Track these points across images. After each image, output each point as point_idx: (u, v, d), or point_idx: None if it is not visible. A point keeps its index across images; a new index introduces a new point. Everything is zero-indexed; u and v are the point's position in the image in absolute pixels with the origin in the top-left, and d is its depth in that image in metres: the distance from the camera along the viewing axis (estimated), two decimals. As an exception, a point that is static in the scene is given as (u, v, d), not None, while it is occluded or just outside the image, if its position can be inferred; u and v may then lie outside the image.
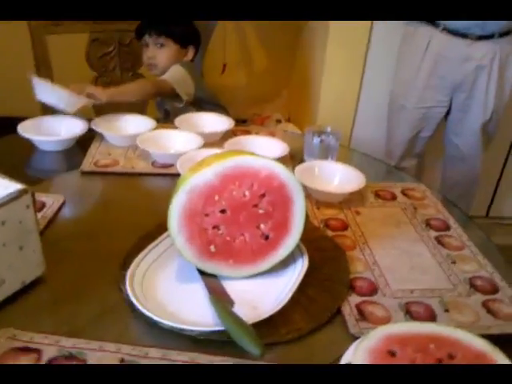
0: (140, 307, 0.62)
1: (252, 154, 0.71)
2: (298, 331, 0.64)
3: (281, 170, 0.69)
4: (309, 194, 0.95)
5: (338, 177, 1.00)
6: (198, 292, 0.68)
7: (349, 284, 0.74)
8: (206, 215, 0.68)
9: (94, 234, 0.84)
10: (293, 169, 0.99)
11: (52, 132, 1.13)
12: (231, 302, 0.65)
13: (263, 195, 0.69)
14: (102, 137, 1.15)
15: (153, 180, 1.03)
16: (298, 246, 0.74)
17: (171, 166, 1.03)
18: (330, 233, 0.86)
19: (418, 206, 0.97)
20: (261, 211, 0.70)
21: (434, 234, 0.88)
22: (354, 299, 0.71)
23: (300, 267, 0.72)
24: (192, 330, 0.61)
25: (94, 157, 1.08)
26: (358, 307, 0.69)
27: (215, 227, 0.69)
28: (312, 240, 0.80)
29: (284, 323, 0.65)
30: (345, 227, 0.88)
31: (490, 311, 0.70)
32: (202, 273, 0.71)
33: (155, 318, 0.61)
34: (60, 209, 0.89)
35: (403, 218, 0.92)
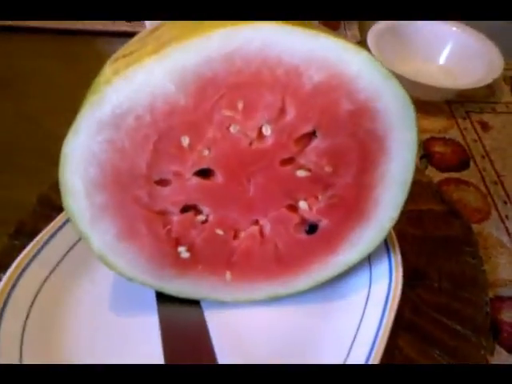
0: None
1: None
2: None
3: (358, 62, 0.24)
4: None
5: (448, 50, 0.53)
6: (152, 350, 0.30)
7: (488, 321, 0.34)
8: (161, 183, 0.27)
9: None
10: (361, 36, 0.53)
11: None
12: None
13: (311, 134, 0.26)
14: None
15: (110, 46, 0.58)
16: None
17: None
18: (434, 173, 0.44)
19: None
20: (301, 174, 0.27)
21: None
22: (502, 360, 0.32)
23: (384, 290, 0.31)
24: None
25: None
26: None
27: (186, 208, 0.28)
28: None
29: None
30: (463, 160, 0.45)
31: None
32: (162, 298, 0.32)
33: None
34: None
35: None
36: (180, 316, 0.31)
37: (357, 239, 0.30)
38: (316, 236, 0.30)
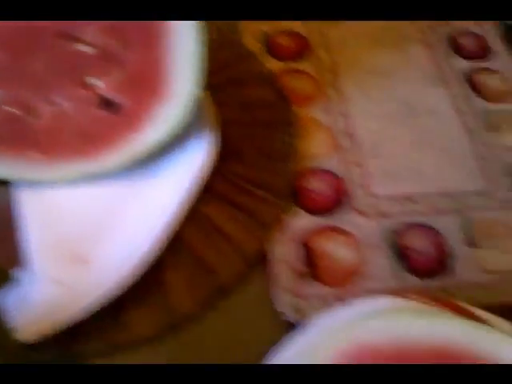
0: None
1: None
2: (175, 315, 0.32)
3: None
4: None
5: None
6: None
7: (291, 188, 0.38)
8: None
9: None
10: None
11: None
12: (12, 263, 0.30)
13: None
14: None
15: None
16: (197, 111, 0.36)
17: None
18: (275, 64, 0.46)
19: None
20: (87, 50, 0.29)
21: (464, 64, 0.48)
22: (300, 223, 0.36)
23: (196, 165, 0.35)
24: None
25: None
26: (307, 242, 0.35)
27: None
28: (233, 82, 0.42)
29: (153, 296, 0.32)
30: (303, 51, 0.48)
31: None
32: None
33: None
34: None
35: (413, 33, 0.51)
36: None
37: (159, 117, 0.33)
38: (118, 114, 0.32)
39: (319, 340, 0.22)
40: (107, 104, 0.32)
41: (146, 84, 0.31)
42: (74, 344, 0.29)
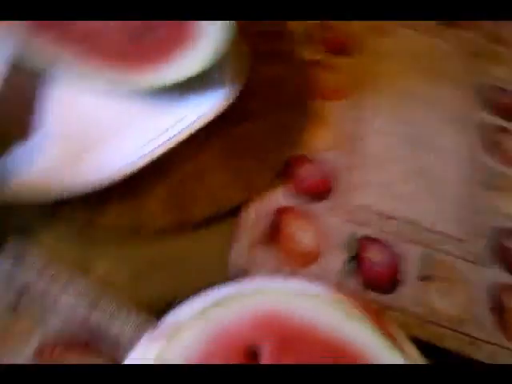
0: None
1: None
2: (144, 228, 0.35)
3: None
4: None
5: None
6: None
7: (284, 167, 0.40)
8: None
9: None
10: None
11: None
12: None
13: None
14: None
15: None
16: (223, 66, 0.38)
17: None
18: (313, 52, 0.48)
19: (490, 53, 0.55)
20: None
21: (488, 118, 0.50)
22: (279, 200, 0.39)
23: (200, 111, 0.37)
24: None
25: None
26: (277, 216, 0.38)
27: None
28: (265, 57, 0.44)
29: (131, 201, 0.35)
30: (344, 49, 0.49)
31: (502, 319, 0.38)
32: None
33: None
34: None
35: (450, 71, 0.52)
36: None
37: (185, 56, 0.35)
38: (150, 43, 0.35)
39: (240, 294, 0.24)
40: (143, 31, 0.35)
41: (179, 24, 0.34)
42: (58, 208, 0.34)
